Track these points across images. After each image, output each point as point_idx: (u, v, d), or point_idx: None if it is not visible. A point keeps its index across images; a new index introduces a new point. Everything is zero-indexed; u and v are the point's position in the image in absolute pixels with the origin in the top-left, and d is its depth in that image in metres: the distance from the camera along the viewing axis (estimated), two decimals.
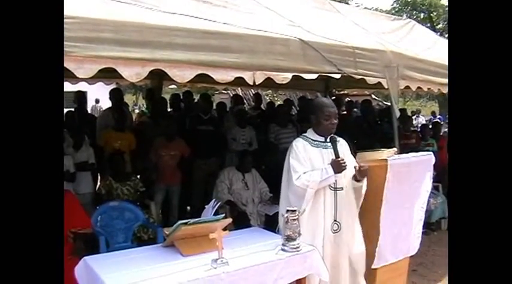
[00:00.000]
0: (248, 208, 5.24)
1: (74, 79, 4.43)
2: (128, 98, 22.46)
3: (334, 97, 8.81)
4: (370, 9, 14.10)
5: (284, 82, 3.38)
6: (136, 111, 16.16)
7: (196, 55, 2.85)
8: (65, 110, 6.48)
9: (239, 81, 3.24)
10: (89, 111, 6.76)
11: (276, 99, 13.64)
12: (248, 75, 3.17)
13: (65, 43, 2.26)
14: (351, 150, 3.57)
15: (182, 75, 2.79)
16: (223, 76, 3.04)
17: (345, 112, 8.27)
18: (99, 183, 5.24)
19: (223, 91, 13.69)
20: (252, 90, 10.61)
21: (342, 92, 9.10)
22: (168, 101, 7.21)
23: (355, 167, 3.38)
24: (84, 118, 6.27)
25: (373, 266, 3.53)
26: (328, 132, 3.36)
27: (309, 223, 3.25)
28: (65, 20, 2.31)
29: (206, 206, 3.40)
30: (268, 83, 3.50)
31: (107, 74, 2.91)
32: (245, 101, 10.93)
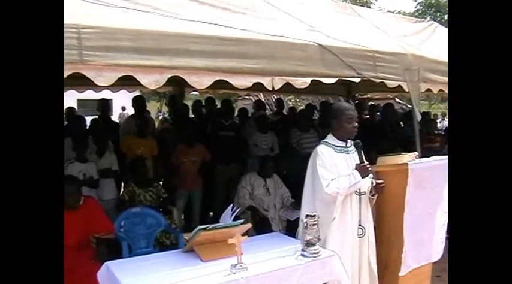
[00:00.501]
0: (270, 214, 5.23)
1: (97, 87, 4.51)
2: (153, 105, 22.72)
3: (357, 102, 8.78)
4: (393, 12, 13.98)
5: (303, 87, 3.38)
6: (161, 117, 16.33)
7: (214, 61, 2.87)
8: (90, 118, 6.61)
9: (258, 87, 3.26)
10: (116, 119, 6.87)
11: (298, 104, 13.62)
12: (267, 80, 3.19)
13: (85, 52, 2.32)
14: (370, 154, 3.54)
15: (200, 81, 2.82)
16: (241, 82, 3.06)
17: (367, 117, 8.21)
18: (122, 189, 5.30)
19: (246, 97, 13.73)
20: (274, 95, 10.62)
21: (364, 96, 9.03)
22: (191, 107, 7.28)
23: (372, 182, 3.37)
24: (108, 125, 6.36)
25: (400, 274, 3.50)
26: (349, 135, 3.35)
27: (339, 229, 3.24)
28: (85, 30, 2.37)
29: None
30: (288, 88, 3.51)
31: (129, 82, 2.96)
32: (267, 106, 10.95)
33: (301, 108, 9.82)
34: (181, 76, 2.72)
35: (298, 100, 13.60)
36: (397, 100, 11.64)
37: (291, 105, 12.19)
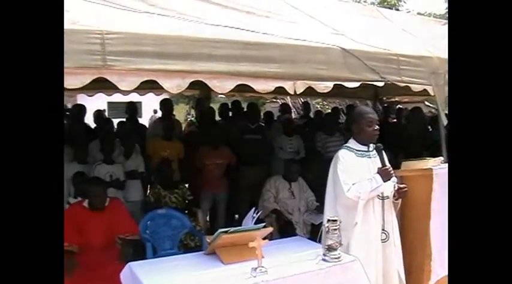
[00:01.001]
0: (294, 217, 5.22)
1: (124, 91, 4.60)
2: (182, 108, 22.93)
3: (385, 105, 8.68)
4: (423, 14, 13.76)
5: (325, 91, 3.38)
6: (188, 120, 16.47)
7: (236, 66, 2.90)
8: (117, 120, 6.74)
9: (280, 91, 3.27)
10: (148, 122, 7.00)
11: (326, 107, 13.55)
12: (289, 84, 3.20)
13: (108, 57, 2.38)
14: (397, 159, 3.52)
15: (222, 85, 2.85)
16: (263, 86, 3.08)
17: (394, 120, 8.12)
18: (148, 191, 5.38)
19: (274, 100, 13.74)
20: (301, 98, 10.60)
21: (392, 100, 8.93)
22: (217, 110, 7.33)
23: (394, 186, 3.34)
24: (135, 128, 6.47)
25: (430, 283, 3.46)
26: (371, 139, 3.33)
27: (362, 234, 3.22)
28: (108, 35, 2.43)
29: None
30: (313, 92, 3.51)
31: (157, 85, 3.02)
32: (294, 110, 10.94)
33: (328, 111, 9.78)
34: (203, 80, 2.75)
35: (326, 103, 13.53)
36: (427, 103, 11.46)
37: (318, 109, 12.14)
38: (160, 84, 2.60)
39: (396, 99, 9.18)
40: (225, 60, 2.86)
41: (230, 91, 3.10)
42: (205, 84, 2.84)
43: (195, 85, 2.85)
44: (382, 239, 3.30)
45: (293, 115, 9.97)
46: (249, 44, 3.01)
